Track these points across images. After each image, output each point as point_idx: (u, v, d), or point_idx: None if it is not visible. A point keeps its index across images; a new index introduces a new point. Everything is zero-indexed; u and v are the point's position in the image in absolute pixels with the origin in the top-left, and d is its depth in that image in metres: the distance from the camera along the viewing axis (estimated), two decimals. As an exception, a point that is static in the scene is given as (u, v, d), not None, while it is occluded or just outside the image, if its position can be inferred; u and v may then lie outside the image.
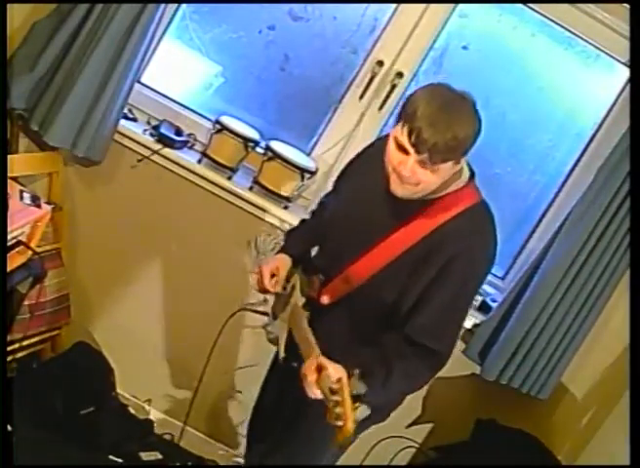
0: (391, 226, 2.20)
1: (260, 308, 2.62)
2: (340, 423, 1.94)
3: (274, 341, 2.49)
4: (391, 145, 2.11)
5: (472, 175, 2.26)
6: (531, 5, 3.05)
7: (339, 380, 1.98)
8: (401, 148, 2.07)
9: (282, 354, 2.40)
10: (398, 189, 2.13)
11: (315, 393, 2.07)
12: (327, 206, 2.55)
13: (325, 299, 2.33)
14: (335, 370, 2.04)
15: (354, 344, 2.25)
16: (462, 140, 2.03)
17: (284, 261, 2.46)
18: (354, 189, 2.38)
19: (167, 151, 3.11)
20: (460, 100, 2.06)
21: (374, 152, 2.33)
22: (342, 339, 2.30)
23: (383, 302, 2.22)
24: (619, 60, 3.09)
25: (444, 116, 2.01)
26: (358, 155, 2.47)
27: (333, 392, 1.98)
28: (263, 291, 2.45)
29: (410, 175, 2.07)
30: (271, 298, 2.54)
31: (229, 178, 3.15)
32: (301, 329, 2.29)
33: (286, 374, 2.42)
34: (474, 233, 2.18)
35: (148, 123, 3.21)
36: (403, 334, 2.17)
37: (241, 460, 3.35)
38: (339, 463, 2.82)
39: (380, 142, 2.28)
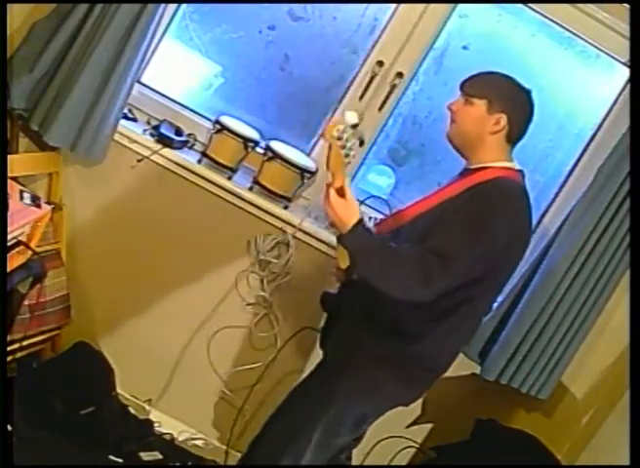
0: (444, 188, 2.55)
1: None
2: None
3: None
4: None
5: (522, 173, 2.53)
6: (531, 5, 3.05)
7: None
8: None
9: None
10: (449, 131, 2.54)
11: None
12: None
13: (374, 231, 2.60)
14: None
15: None
16: (492, 86, 2.49)
17: None
18: None
19: (167, 151, 3.11)
20: (501, 75, 2.53)
21: None
22: None
23: (416, 237, 2.44)
24: (619, 60, 3.10)
25: (485, 72, 2.54)
26: None
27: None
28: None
29: (452, 106, 2.51)
30: None
31: (229, 178, 3.15)
32: None
33: None
34: (501, 190, 2.42)
35: (148, 123, 3.21)
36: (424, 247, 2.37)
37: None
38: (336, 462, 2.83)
39: None
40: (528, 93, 2.51)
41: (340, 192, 2.32)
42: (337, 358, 2.62)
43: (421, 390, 2.67)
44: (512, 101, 2.48)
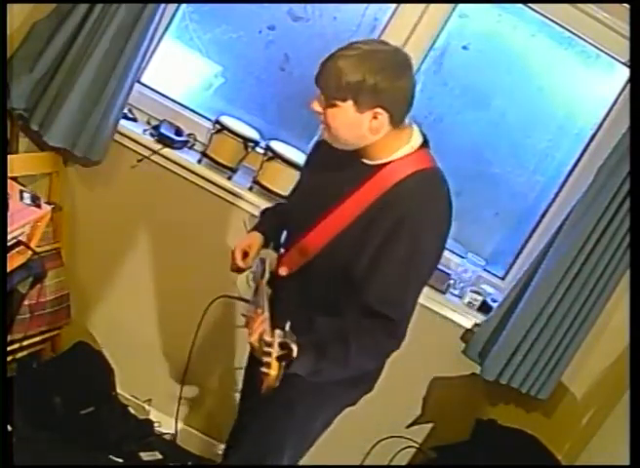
0: (343, 195, 2.19)
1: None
2: (265, 371, 1.97)
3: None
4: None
5: (425, 143, 2.24)
6: (531, 5, 3.05)
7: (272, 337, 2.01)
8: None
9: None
10: (326, 136, 2.21)
11: (252, 340, 2.13)
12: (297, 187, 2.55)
13: (282, 271, 2.34)
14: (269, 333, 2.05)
15: (312, 315, 2.21)
16: (350, 80, 2.05)
17: (256, 239, 2.47)
18: (316, 169, 2.40)
19: (167, 151, 3.11)
20: (353, 54, 2.08)
21: None
22: (300, 310, 2.24)
23: (338, 271, 2.19)
24: (619, 60, 3.09)
25: (337, 59, 2.10)
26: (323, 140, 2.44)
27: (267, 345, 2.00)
28: (237, 269, 2.44)
29: (314, 107, 2.15)
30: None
31: (229, 178, 3.15)
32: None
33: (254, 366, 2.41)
34: (422, 194, 2.15)
35: (148, 123, 3.21)
36: (360, 306, 2.14)
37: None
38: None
39: None
40: (394, 54, 2.11)
41: None
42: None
43: (377, 377, 2.45)
44: (381, 88, 2.05)
